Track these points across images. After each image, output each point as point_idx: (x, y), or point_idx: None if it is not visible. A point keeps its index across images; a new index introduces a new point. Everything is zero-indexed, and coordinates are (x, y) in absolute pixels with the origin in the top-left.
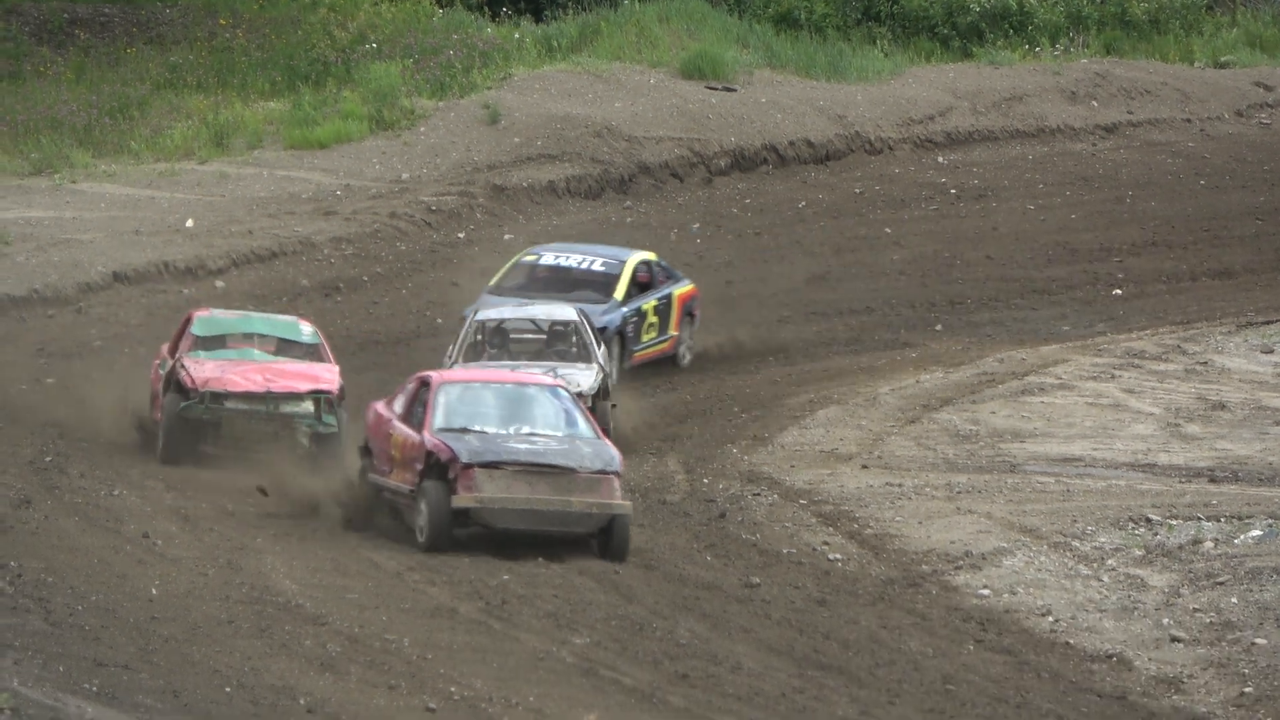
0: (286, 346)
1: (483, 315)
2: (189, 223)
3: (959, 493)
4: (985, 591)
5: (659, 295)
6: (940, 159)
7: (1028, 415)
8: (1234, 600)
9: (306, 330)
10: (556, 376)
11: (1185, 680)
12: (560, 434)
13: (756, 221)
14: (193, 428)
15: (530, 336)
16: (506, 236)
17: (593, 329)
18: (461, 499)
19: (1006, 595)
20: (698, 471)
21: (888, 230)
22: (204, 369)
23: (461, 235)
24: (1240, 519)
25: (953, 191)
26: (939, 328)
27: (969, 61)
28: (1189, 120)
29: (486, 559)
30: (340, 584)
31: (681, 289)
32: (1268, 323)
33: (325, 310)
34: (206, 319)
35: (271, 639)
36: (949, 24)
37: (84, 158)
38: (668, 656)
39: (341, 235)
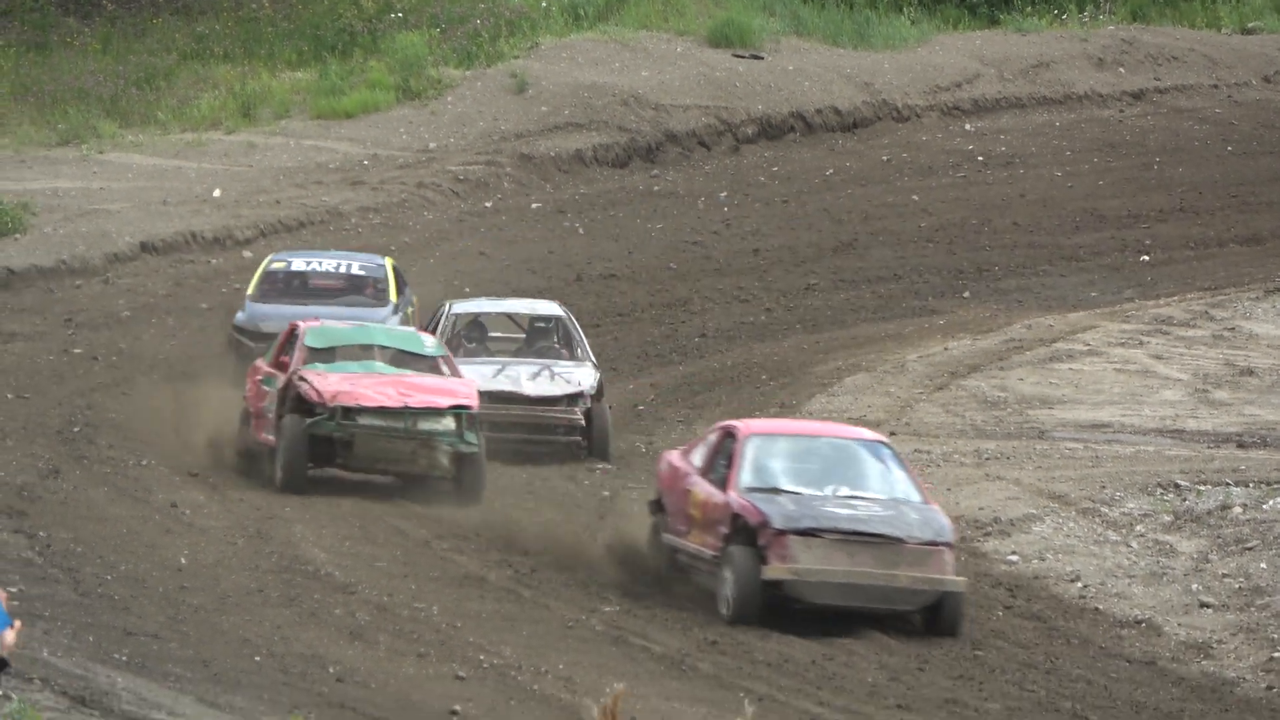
0: (405, 359)
1: (459, 308)
2: (216, 193)
3: (987, 459)
4: (1014, 558)
5: (407, 294)
6: (967, 126)
7: (1056, 382)
8: (1263, 565)
9: (429, 342)
10: (554, 375)
11: (1214, 645)
12: (883, 497)
13: (784, 189)
14: (320, 447)
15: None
16: (534, 205)
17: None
18: (774, 570)
19: (1035, 561)
20: None
21: (915, 198)
22: (329, 382)
23: (489, 204)
24: (1269, 484)
25: (980, 159)
26: (967, 295)
27: (996, 28)
28: (1216, 86)
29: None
30: (369, 553)
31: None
32: None
33: None
34: (319, 330)
35: (300, 608)
36: None
37: (111, 128)
38: (697, 624)
39: (369, 205)
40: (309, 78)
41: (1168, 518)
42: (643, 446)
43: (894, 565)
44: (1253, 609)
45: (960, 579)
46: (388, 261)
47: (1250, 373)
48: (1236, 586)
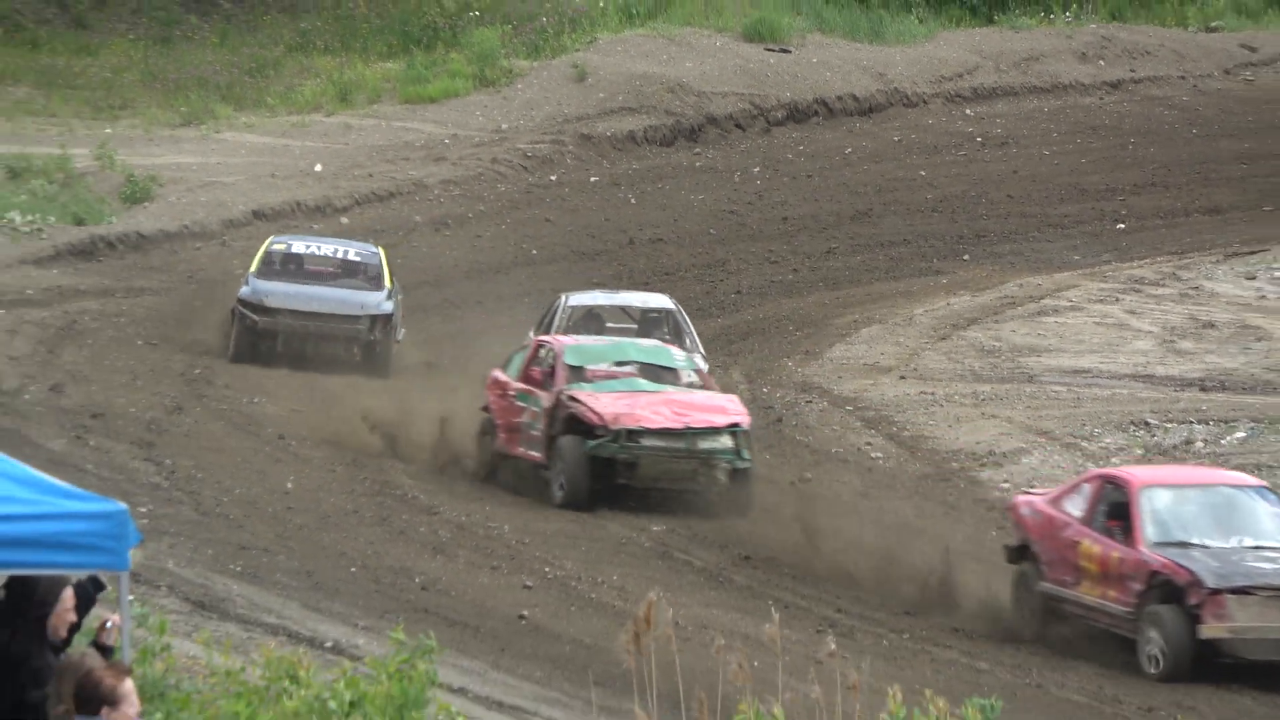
0: (658, 373)
1: (575, 300)
2: (318, 167)
3: (983, 400)
4: (1006, 485)
5: (395, 284)
6: (968, 111)
7: (1043, 333)
8: None
9: (679, 356)
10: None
11: None
12: None
13: (808, 166)
14: (600, 466)
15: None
16: (592, 179)
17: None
18: (1212, 629)
19: (1025, 488)
20: (758, 382)
21: (922, 173)
22: (605, 403)
23: (553, 178)
24: (1226, 423)
25: (979, 140)
26: (966, 257)
27: (993, 26)
28: (1183, 77)
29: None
30: (449, 479)
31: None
32: (1251, 253)
33: (435, 243)
34: (576, 348)
35: (391, 526)
36: None
37: (226, 111)
38: (732, 541)
39: (449, 178)
40: (398, 68)
41: (1139, 451)
42: None
43: None
44: None
45: None
46: (381, 248)
47: (1211, 326)
48: None
